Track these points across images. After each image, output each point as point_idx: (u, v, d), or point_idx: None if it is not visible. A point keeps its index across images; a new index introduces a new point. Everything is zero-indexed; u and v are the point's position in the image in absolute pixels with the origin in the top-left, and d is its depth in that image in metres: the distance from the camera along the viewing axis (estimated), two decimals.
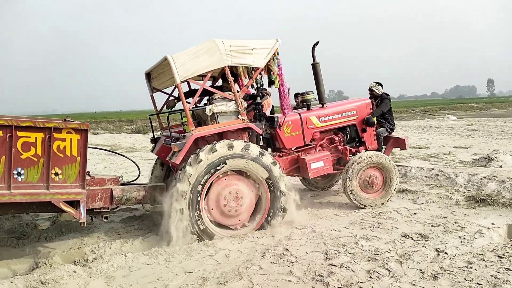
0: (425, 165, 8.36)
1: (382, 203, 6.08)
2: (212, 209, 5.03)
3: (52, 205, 4.23)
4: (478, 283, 3.44)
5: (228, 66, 5.19)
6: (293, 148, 6.23)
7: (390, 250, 4.28)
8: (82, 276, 4.01)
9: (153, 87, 6.15)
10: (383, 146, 6.94)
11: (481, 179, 6.55)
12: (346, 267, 3.90)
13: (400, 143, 6.96)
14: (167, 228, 4.81)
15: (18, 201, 4.01)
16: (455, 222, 5.16)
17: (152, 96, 6.17)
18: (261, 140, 6.43)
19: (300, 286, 3.63)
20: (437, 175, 7.35)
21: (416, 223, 5.29)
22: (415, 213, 5.71)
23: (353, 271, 3.82)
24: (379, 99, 6.99)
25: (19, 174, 3.99)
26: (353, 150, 6.53)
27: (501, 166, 7.80)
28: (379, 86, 7.04)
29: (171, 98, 6.10)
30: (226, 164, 4.94)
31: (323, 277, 3.72)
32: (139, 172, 5.93)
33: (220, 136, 5.28)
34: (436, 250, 4.24)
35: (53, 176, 4.13)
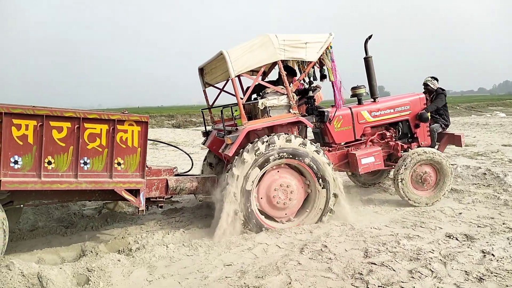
0: (472, 164, 8.03)
1: (427, 204, 5.90)
2: (261, 198, 5.13)
3: (114, 193, 4.47)
4: None
5: (281, 60, 5.26)
6: (343, 143, 6.20)
7: (433, 250, 4.15)
8: (126, 265, 4.17)
9: (206, 82, 6.32)
10: (437, 143, 6.77)
11: None
12: (386, 266, 3.83)
13: (456, 140, 6.69)
14: (218, 215, 4.90)
15: (84, 188, 4.27)
16: (503, 223, 4.93)
17: (204, 91, 6.36)
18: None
19: (339, 283, 3.60)
20: (485, 174, 7.03)
21: (461, 223, 5.10)
22: (460, 213, 5.50)
23: (394, 270, 3.75)
24: (433, 94, 6.83)
25: (85, 163, 4.26)
26: (405, 146, 6.43)
27: None
28: (435, 80, 6.88)
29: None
30: (281, 158, 5.04)
31: (362, 275, 3.68)
32: (192, 163, 6.13)
33: (271, 129, 5.35)
34: (482, 251, 4.07)
35: (116, 165, 4.39)
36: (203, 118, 6.76)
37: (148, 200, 5.01)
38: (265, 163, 5.00)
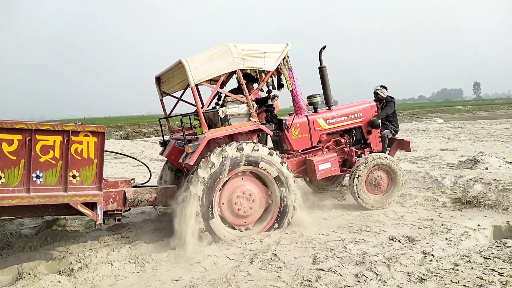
0: (413, 168, 8.43)
1: (373, 207, 6.12)
2: (223, 203, 5.13)
3: (69, 207, 4.29)
4: (464, 285, 3.46)
5: (240, 69, 5.32)
6: (300, 150, 6.34)
7: (377, 254, 4.29)
8: (67, 286, 3.95)
9: (163, 91, 6.29)
10: (388, 148, 7.10)
11: (467, 181, 6.60)
12: (334, 271, 3.90)
13: (405, 145, 7.10)
14: (178, 227, 4.83)
15: (37, 203, 4.06)
16: (442, 224, 5.19)
17: (161, 100, 6.31)
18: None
19: None
20: (424, 177, 7.40)
21: (404, 225, 5.32)
22: (402, 216, 5.74)
23: (341, 275, 3.82)
24: (383, 102, 7.17)
25: (38, 177, 4.06)
26: (359, 152, 6.68)
27: (487, 168, 7.89)
28: (384, 89, 7.23)
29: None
30: (236, 167, 5.07)
31: (311, 282, 3.72)
32: (150, 174, 5.97)
33: (231, 138, 5.37)
34: (423, 252, 4.26)
35: (71, 178, 4.21)
36: (161, 127, 6.69)
37: (105, 213, 4.83)
38: (232, 168, 5.03)
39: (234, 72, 5.52)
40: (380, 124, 6.76)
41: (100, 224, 4.48)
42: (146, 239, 5.22)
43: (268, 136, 6.11)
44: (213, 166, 4.95)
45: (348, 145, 6.67)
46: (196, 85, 5.30)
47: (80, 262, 4.54)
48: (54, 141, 4.11)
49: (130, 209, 5.34)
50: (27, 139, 3.96)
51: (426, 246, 4.43)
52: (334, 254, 4.35)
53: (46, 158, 4.09)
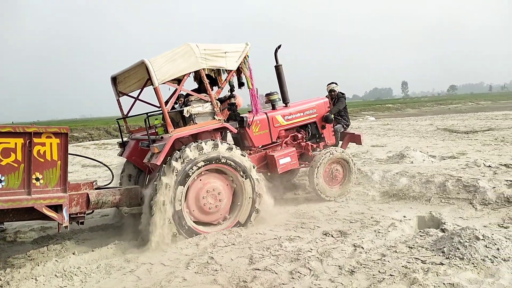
0: None
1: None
2: (193, 210, 5.21)
3: (31, 211, 4.21)
4: (390, 274, 3.64)
5: (203, 68, 5.40)
6: (260, 146, 6.53)
7: (311, 249, 4.40)
8: None
9: (119, 91, 6.26)
10: (340, 141, 7.51)
11: (394, 175, 7.00)
12: (269, 270, 3.93)
13: (356, 139, 7.61)
14: (147, 231, 4.89)
15: (0, 207, 3.92)
16: (371, 217, 5.45)
17: (118, 100, 6.27)
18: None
19: None
20: (356, 173, 7.72)
21: (336, 220, 5.52)
22: (335, 211, 5.96)
23: (276, 273, 3.87)
24: (335, 98, 7.54)
25: None
26: (314, 145, 7.01)
27: (412, 162, 8.40)
28: (337, 85, 7.63)
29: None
30: (199, 167, 5.12)
31: (247, 282, 3.72)
32: (113, 176, 5.80)
33: (195, 136, 5.45)
34: (354, 245, 4.43)
35: (34, 181, 4.10)
36: (119, 128, 6.60)
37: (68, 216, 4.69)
38: (194, 169, 5.07)
39: (192, 72, 5.55)
40: (333, 119, 7.15)
41: (66, 227, 4.39)
42: (74, 251, 4.93)
43: (228, 134, 6.23)
44: (175, 171, 4.96)
45: (305, 140, 6.97)
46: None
47: (1, 280, 4.20)
48: (16, 143, 4.00)
49: (93, 211, 5.32)
50: None
51: (357, 239, 4.62)
52: (270, 252, 4.40)
53: (7, 161, 3.97)
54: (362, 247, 4.35)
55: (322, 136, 7.19)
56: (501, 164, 7.21)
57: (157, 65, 5.07)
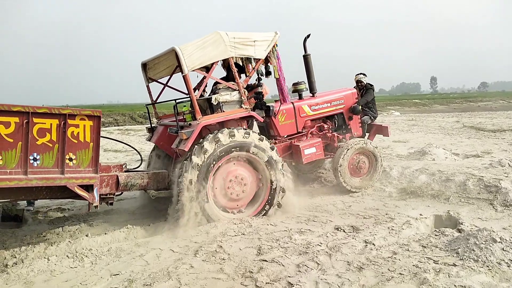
0: None
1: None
2: (216, 188, 5.27)
3: (63, 190, 4.38)
4: (400, 273, 3.55)
5: (232, 57, 5.42)
6: (286, 136, 6.50)
7: (321, 243, 4.33)
8: None
9: (149, 77, 6.36)
10: (367, 133, 7.45)
11: (413, 171, 6.80)
12: (276, 262, 3.90)
13: (383, 130, 7.52)
14: (173, 211, 5.05)
15: (35, 185, 4.09)
16: (386, 214, 5.33)
17: (148, 86, 6.38)
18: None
19: (229, 284, 3.58)
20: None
21: (350, 215, 5.42)
22: (350, 206, 5.85)
23: (283, 265, 3.83)
24: (363, 89, 7.50)
25: (35, 159, 4.08)
26: (340, 137, 6.93)
27: (433, 159, 8.17)
28: (365, 76, 7.60)
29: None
30: (231, 152, 5.20)
31: (252, 273, 3.70)
32: (141, 159, 5.97)
33: (222, 124, 5.48)
34: (365, 241, 4.34)
35: (67, 161, 4.24)
36: (148, 113, 6.71)
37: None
38: (225, 153, 5.15)
39: (221, 60, 5.59)
40: (361, 110, 7.07)
41: (96, 206, 4.52)
42: (88, 233, 5.04)
43: (255, 122, 6.23)
44: (206, 152, 5.03)
45: (331, 131, 6.92)
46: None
47: (15, 257, 4.34)
48: (51, 124, 4.14)
49: (122, 193, 5.48)
50: (24, 121, 3.98)
51: (369, 235, 4.52)
52: (279, 244, 4.36)
53: (43, 141, 4.11)
54: (373, 244, 4.25)
55: (349, 127, 7.13)
56: None
57: (187, 52, 5.11)
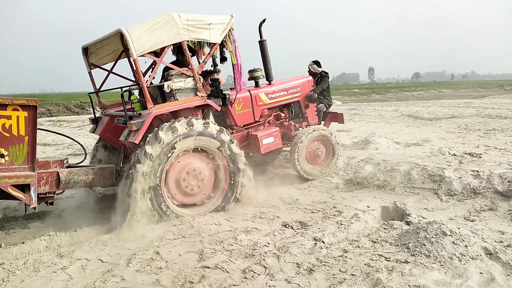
0: None
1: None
2: (175, 194, 4.94)
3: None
4: (352, 274, 3.33)
5: (185, 41, 5.02)
6: (242, 125, 6.19)
7: (268, 244, 4.02)
8: None
9: (91, 63, 5.80)
10: (322, 121, 7.35)
11: (358, 162, 6.72)
12: (220, 268, 3.53)
13: (338, 118, 7.44)
14: (122, 211, 4.61)
15: None
16: (334, 207, 5.14)
17: (90, 73, 5.84)
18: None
19: None
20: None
21: (297, 210, 5.17)
22: (297, 199, 5.61)
23: (227, 272, 3.47)
24: (318, 77, 7.27)
25: None
26: (297, 125, 6.81)
27: (377, 148, 8.18)
28: (315, 65, 7.31)
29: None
30: (175, 148, 4.80)
31: (193, 283, 3.31)
32: (85, 154, 5.46)
33: (175, 114, 5.13)
34: (314, 239, 4.10)
35: None
36: (91, 103, 6.20)
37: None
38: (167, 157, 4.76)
39: (173, 44, 5.17)
40: (317, 98, 6.86)
41: (35, 208, 4.12)
42: (1, 242, 4.34)
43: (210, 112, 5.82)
44: (161, 142, 4.64)
45: (288, 119, 6.72)
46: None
47: None
48: None
49: (63, 191, 5.00)
50: None
51: (318, 232, 4.29)
52: (223, 247, 3.99)
53: None
54: (322, 241, 4.01)
55: (305, 115, 6.95)
56: (465, 153, 7.09)
57: (135, 35, 4.66)
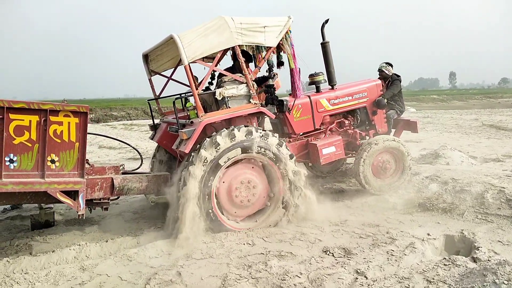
0: None
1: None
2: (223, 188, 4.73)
3: (49, 195, 3.88)
4: None
5: (239, 45, 4.81)
6: (301, 133, 5.82)
7: (301, 274, 3.53)
8: None
9: (151, 69, 5.79)
10: (393, 129, 6.68)
11: (422, 179, 5.92)
12: None
13: (411, 126, 6.71)
14: (174, 216, 4.49)
15: (10, 190, 3.64)
16: (387, 232, 4.48)
17: (150, 80, 5.81)
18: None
19: None
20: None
21: (344, 233, 4.58)
22: (346, 220, 5.00)
23: None
24: (389, 80, 6.64)
25: (11, 161, 3.64)
26: (363, 133, 6.24)
27: (447, 163, 7.26)
28: (389, 66, 6.69)
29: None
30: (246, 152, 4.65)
31: None
32: (142, 160, 5.45)
33: (229, 122, 4.96)
34: (356, 271, 3.53)
35: (49, 163, 3.80)
36: (150, 109, 6.11)
37: (91, 202, 4.50)
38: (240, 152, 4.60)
39: (229, 49, 5.03)
40: (386, 104, 6.27)
41: (82, 214, 4.08)
42: (33, 250, 4.32)
43: (266, 119, 5.60)
44: (218, 147, 4.49)
45: (352, 127, 6.23)
46: (189, 64, 4.69)
47: None
48: (30, 121, 3.67)
49: (118, 197, 4.96)
50: None
51: (362, 263, 3.70)
52: (250, 273, 3.57)
53: (20, 140, 3.67)
54: (365, 276, 3.43)
55: (373, 123, 6.34)
56: None
57: (186, 40, 4.54)
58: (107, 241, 4.48)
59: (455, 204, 5.14)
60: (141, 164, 5.41)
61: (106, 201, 4.63)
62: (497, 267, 3.12)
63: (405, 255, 3.86)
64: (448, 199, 5.27)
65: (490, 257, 3.68)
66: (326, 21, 5.89)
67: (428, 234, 4.38)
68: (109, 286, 3.50)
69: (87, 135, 4.01)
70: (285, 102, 5.31)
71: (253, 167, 4.83)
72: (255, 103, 4.91)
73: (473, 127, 14.28)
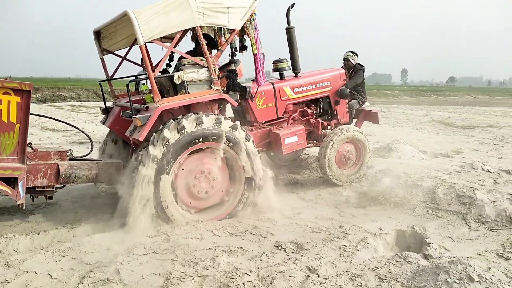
0: None
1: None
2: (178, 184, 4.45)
3: None
4: None
5: (200, 26, 4.47)
6: (264, 122, 5.63)
7: (251, 271, 3.33)
8: None
9: (104, 48, 5.33)
10: (354, 119, 6.67)
11: (376, 172, 5.90)
12: None
13: (373, 117, 6.71)
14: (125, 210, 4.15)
15: None
16: (340, 227, 4.39)
17: (102, 59, 5.35)
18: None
19: None
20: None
21: (296, 227, 4.44)
22: (299, 213, 4.87)
23: None
24: (352, 70, 6.60)
25: None
26: (325, 123, 6.15)
27: (399, 157, 7.33)
28: (355, 55, 6.64)
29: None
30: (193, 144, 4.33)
31: None
32: (92, 145, 5.10)
33: (188, 108, 4.67)
34: (308, 268, 3.38)
35: None
36: (102, 91, 5.55)
37: (33, 189, 4.15)
38: (189, 145, 4.29)
39: (189, 29, 4.73)
40: (349, 93, 6.16)
41: (22, 204, 3.74)
42: None
43: (228, 106, 5.26)
44: (184, 131, 4.23)
45: (315, 116, 6.08)
46: (146, 44, 4.29)
47: None
48: None
49: (64, 185, 4.65)
50: None
51: (314, 259, 3.56)
52: (196, 271, 3.32)
53: None
54: (317, 274, 3.29)
55: (335, 112, 6.24)
56: (501, 170, 6.13)
57: (143, 18, 4.14)
58: (39, 234, 4.05)
59: (407, 198, 5.14)
60: (91, 150, 5.01)
61: (51, 189, 4.25)
62: (449, 265, 3.07)
63: (358, 250, 3.77)
64: (400, 193, 5.26)
65: (441, 254, 3.67)
66: (292, 6, 5.64)
67: (380, 229, 4.34)
68: (36, 285, 3.12)
69: (30, 116, 3.63)
70: (247, 89, 5.11)
71: (215, 158, 4.54)
72: (216, 89, 4.64)
73: (423, 123, 14.76)
